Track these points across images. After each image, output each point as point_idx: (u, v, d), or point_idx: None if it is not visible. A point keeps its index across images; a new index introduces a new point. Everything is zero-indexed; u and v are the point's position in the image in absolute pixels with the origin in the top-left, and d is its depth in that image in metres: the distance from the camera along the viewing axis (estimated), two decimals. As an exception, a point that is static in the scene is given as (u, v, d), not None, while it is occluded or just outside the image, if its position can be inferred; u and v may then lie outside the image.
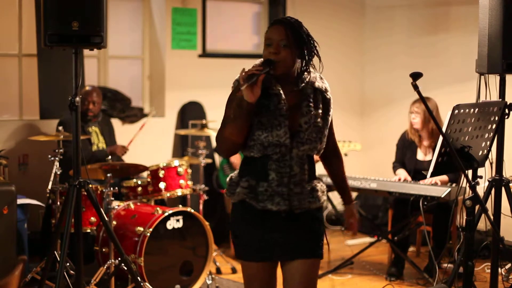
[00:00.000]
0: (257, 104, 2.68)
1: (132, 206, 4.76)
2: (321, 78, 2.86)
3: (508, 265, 4.97)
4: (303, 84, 2.78)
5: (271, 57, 2.70)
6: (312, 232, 2.84)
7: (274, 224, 2.77)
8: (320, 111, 2.80)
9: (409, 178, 5.16)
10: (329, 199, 5.52)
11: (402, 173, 5.23)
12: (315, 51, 2.80)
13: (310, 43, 2.78)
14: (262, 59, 2.74)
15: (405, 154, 5.32)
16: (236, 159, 5.82)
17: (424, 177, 5.02)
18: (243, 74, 2.63)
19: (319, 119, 2.78)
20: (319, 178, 2.89)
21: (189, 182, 4.99)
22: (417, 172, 5.18)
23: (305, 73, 2.80)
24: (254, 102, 2.64)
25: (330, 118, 2.85)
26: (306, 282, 2.81)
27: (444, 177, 4.99)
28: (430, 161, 5.04)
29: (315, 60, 2.83)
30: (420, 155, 5.25)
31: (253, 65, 2.68)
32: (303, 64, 2.78)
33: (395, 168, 5.36)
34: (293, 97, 2.77)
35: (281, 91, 2.74)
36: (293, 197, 2.75)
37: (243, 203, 2.78)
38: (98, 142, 5.45)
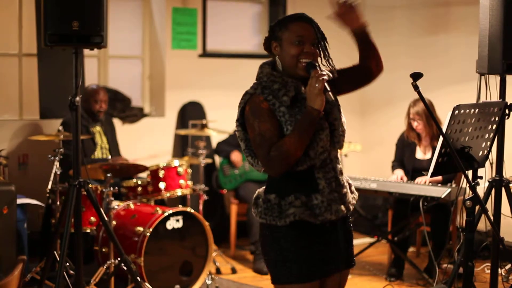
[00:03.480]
0: (290, 113, 2.52)
1: (132, 206, 4.76)
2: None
3: (508, 266, 4.97)
4: None
5: (306, 57, 2.56)
6: (350, 239, 2.72)
7: (327, 236, 2.60)
8: (336, 102, 2.70)
9: (405, 179, 5.17)
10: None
11: (398, 173, 5.24)
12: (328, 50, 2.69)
13: (326, 41, 2.68)
14: (304, 62, 2.57)
15: (404, 153, 5.33)
16: (237, 157, 5.82)
17: (420, 175, 5.04)
18: (320, 86, 2.47)
19: (339, 109, 2.69)
20: None
21: (189, 182, 4.99)
22: (416, 171, 5.19)
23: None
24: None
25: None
26: None
27: (438, 177, 4.99)
28: (429, 159, 5.11)
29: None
30: (419, 154, 5.26)
31: (317, 69, 2.52)
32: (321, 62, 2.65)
33: (393, 168, 5.37)
34: None
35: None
36: (344, 199, 2.61)
37: (295, 223, 2.52)
38: (101, 143, 5.45)
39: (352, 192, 2.69)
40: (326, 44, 2.67)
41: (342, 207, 2.58)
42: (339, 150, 2.67)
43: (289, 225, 2.52)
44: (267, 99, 2.53)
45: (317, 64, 2.58)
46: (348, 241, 2.70)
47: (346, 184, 2.65)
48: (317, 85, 2.47)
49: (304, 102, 2.54)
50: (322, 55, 2.66)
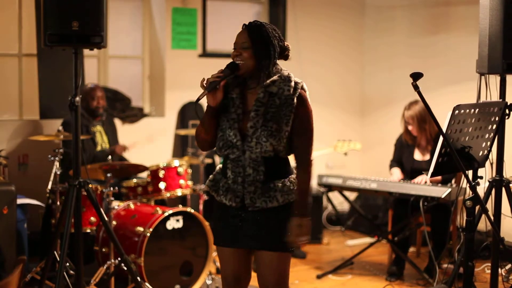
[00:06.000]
0: (222, 104, 2.92)
1: (132, 206, 4.76)
2: (289, 80, 2.91)
3: (508, 266, 4.97)
4: (258, 87, 2.91)
5: (233, 59, 2.91)
6: (272, 227, 2.93)
7: (234, 215, 2.96)
8: (272, 115, 2.87)
9: (401, 178, 5.18)
10: (329, 199, 5.52)
11: (397, 173, 5.25)
12: (273, 53, 2.90)
13: (271, 44, 2.90)
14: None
15: (402, 154, 5.34)
16: None
17: (419, 175, 5.04)
18: (204, 82, 2.86)
19: (271, 123, 2.86)
20: (288, 178, 2.95)
21: (189, 182, 4.99)
22: (414, 172, 5.19)
23: (264, 75, 2.90)
24: (215, 106, 2.88)
25: (290, 122, 2.88)
26: (273, 273, 2.97)
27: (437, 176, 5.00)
28: (427, 161, 5.11)
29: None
30: (418, 155, 5.25)
31: (218, 70, 2.89)
32: (260, 66, 2.89)
33: (390, 167, 5.39)
34: (251, 100, 2.93)
35: (235, 95, 2.93)
36: (246, 196, 2.91)
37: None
38: (102, 142, 5.44)
39: (269, 196, 2.91)
40: (270, 46, 2.90)
41: (237, 199, 2.92)
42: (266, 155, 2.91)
43: (214, 197, 3.04)
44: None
45: (236, 63, 2.89)
46: (273, 228, 2.93)
47: (261, 187, 2.90)
48: (202, 82, 2.88)
49: (231, 100, 2.94)
50: (265, 56, 2.90)
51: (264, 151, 2.87)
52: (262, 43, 2.88)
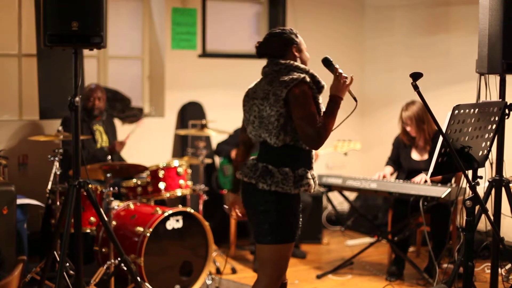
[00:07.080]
0: (322, 100, 3.21)
1: (132, 206, 4.76)
2: None
3: (508, 266, 4.97)
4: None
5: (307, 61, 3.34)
6: None
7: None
8: None
9: (388, 177, 5.23)
10: (329, 199, 5.52)
11: (385, 170, 5.30)
12: None
13: None
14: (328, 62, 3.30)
15: (399, 154, 5.35)
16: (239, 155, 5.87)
17: (418, 175, 5.05)
18: (350, 82, 3.19)
19: None
20: None
21: (189, 182, 4.99)
22: (412, 172, 5.19)
23: None
24: None
25: None
26: None
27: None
28: (426, 161, 5.11)
29: None
30: (415, 155, 5.26)
31: (340, 71, 3.21)
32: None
33: (386, 164, 5.40)
34: None
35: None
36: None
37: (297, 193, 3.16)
38: (102, 142, 5.45)
39: None
40: None
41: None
42: None
43: (298, 193, 3.13)
44: (311, 88, 3.13)
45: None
46: None
47: None
48: (346, 81, 3.18)
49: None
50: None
51: None
52: None
